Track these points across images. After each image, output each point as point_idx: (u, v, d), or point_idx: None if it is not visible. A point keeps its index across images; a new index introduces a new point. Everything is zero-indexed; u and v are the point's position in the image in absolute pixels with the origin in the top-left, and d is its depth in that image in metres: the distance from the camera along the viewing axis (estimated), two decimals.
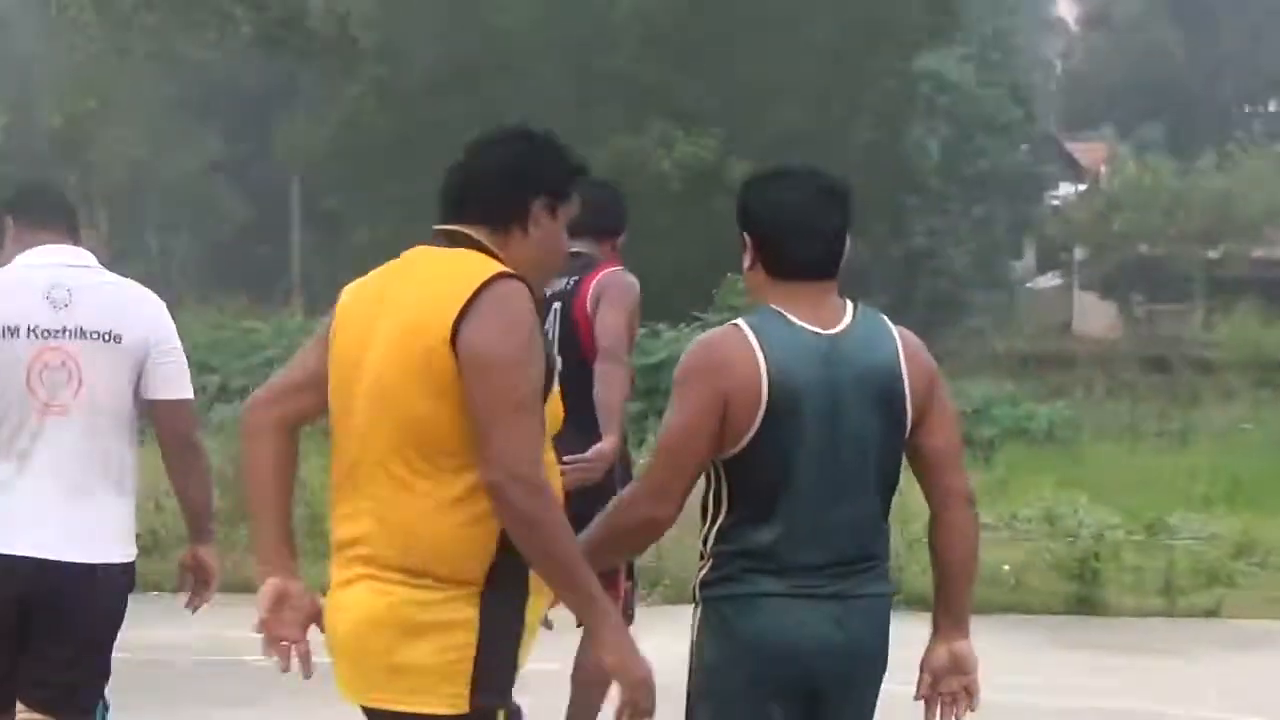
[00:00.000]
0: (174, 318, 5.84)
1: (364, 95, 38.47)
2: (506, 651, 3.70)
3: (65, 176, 34.90)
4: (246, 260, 45.26)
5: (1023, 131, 51.32)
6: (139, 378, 5.40)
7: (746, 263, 4.26)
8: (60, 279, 5.35)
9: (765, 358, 3.98)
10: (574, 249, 5.04)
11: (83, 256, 5.53)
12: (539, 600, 3.80)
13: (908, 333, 4.28)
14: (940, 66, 45.51)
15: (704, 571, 4.18)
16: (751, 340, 4.00)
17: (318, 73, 38.47)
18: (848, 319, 4.15)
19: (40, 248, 5.46)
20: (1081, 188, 56.91)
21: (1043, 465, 20.72)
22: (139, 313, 5.47)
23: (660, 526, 4.18)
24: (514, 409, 3.62)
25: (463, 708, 3.57)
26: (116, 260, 23.88)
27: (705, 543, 4.19)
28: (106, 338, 5.35)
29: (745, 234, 4.23)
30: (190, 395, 5.64)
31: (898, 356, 4.08)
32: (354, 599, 3.76)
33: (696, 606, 4.24)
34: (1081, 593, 10.33)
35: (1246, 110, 68.77)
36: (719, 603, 4.14)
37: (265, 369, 15.36)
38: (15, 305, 5.27)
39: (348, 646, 3.80)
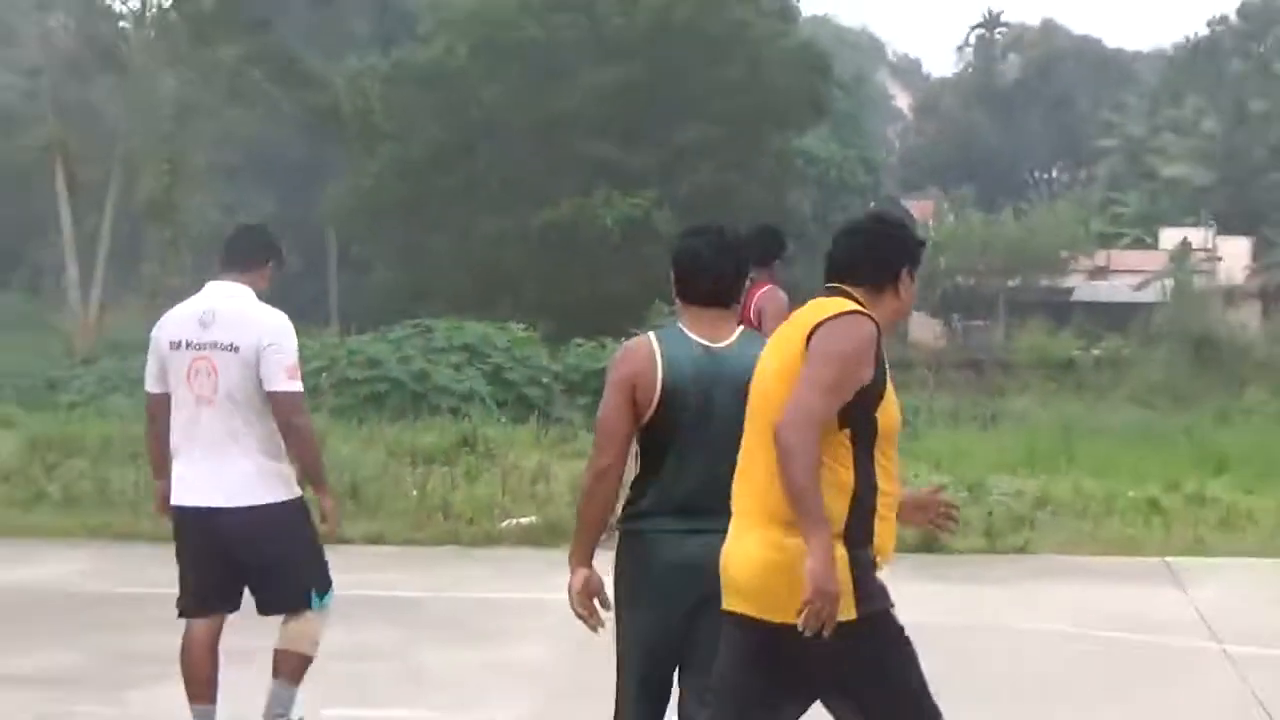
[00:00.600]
0: None
1: (382, 168, 36.99)
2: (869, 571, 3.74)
3: (162, 231, 34.19)
4: (296, 294, 41.94)
5: (872, 192, 50.20)
6: (258, 376, 5.44)
7: (673, 292, 4.49)
8: (211, 305, 5.42)
9: (662, 358, 4.24)
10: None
11: (236, 290, 5.55)
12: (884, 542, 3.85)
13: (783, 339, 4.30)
14: (810, 145, 44.90)
15: (622, 512, 4.39)
16: (655, 346, 4.26)
17: (345, 148, 38.55)
18: (733, 338, 4.37)
19: (211, 282, 5.62)
20: None
21: None
22: (255, 326, 5.47)
23: (609, 473, 4.31)
24: (815, 384, 3.62)
25: (853, 614, 3.61)
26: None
27: (630, 492, 4.41)
28: (229, 348, 5.38)
29: (671, 271, 4.43)
30: (284, 388, 5.55)
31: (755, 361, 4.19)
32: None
33: (614, 537, 4.42)
34: (924, 537, 9.87)
35: (1037, 175, 68.45)
36: (627, 535, 4.35)
37: (314, 376, 14.70)
38: (180, 327, 5.43)
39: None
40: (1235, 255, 49.36)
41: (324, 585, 5.77)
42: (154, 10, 35.70)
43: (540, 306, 30.50)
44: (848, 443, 3.75)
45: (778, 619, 3.72)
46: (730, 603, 3.92)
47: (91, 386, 23.32)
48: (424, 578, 9.55)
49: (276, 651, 5.73)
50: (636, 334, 4.92)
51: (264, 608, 5.71)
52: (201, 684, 5.63)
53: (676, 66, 37.18)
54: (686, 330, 4.46)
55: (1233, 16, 62.70)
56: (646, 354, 4.38)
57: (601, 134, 36.50)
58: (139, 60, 34.94)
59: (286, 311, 5.83)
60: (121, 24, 37.23)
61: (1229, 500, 12.62)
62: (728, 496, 4.08)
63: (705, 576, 4.10)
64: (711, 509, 4.16)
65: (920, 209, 52.80)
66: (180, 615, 5.69)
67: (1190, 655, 7.86)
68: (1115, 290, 47.67)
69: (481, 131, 37.36)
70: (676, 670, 4.55)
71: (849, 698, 3.85)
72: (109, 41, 35.72)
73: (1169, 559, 10.57)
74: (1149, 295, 42.96)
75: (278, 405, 5.54)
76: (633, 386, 4.39)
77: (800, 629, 3.58)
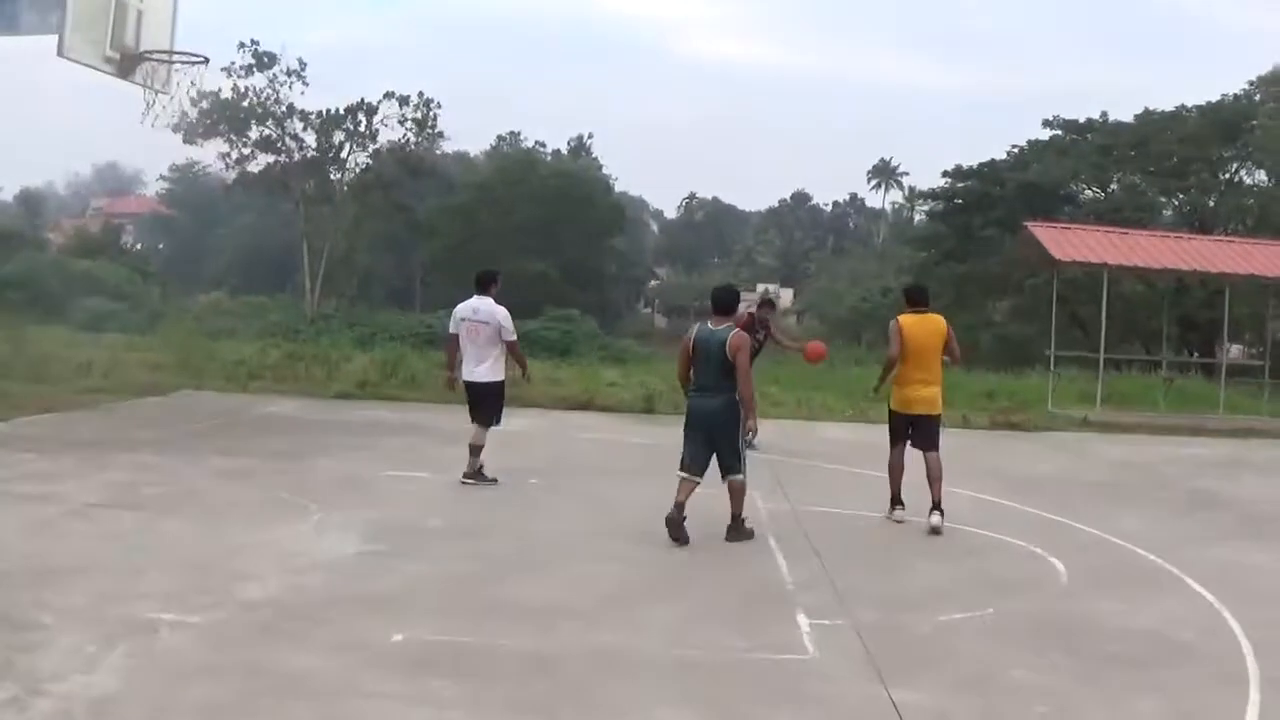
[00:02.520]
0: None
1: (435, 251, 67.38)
2: None
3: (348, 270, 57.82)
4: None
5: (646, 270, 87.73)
6: (498, 334, 13.01)
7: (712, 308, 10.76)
8: (475, 304, 13.21)
9: (695, 332, 10.59)
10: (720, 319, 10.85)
11: (485, 300, 13.23)
12: None
13: (736, 331, 10.45)
14: (617, 243, 78.74)
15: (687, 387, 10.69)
16: (694, 328, 10.68)
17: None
18: (725, 325, 10.34)
19: (475, 296, 13.29)
20: None
21: None
22: (493, 312, 13.04)
23: (682, 373, 10.94)
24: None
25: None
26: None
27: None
28: (486, 320, 12.96)
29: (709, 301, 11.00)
30: (514, 338, 13.31)
31: (728, 336, 10.21)
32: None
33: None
34: None
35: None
36: (687, 399, 10.70)
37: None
38: (463, 309, 13.25)
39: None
40: None
41: (493, 419, 13.23)
42: (354, 178, 54.91)
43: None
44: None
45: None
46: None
47: (312, 330, 47.99)
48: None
49: (470, 444, 13.30)
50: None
51: (474, 417, 13.19)
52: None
53: (559, 213, 69.02)
54: (709, 323, 10.47)
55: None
56: (692, 331, 10.57)
57: (529, 236, 68.06)
58: (343, 195, 54.41)
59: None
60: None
61: None
62: (714, 386, 10.31)
63: (703, 410, 10.43)
64: (707, 387, 10.36)
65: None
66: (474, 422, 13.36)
67: None
68: None
69: (484, 231, 66.40)
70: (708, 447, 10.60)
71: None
72: (332, 185, 54.42)
73: None
74: None
75: (507, 346, 13.11)
76: (683, 345, 10.55)
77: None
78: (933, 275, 51.38)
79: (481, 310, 13.22)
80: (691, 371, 10.63)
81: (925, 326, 11.91)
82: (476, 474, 13.30)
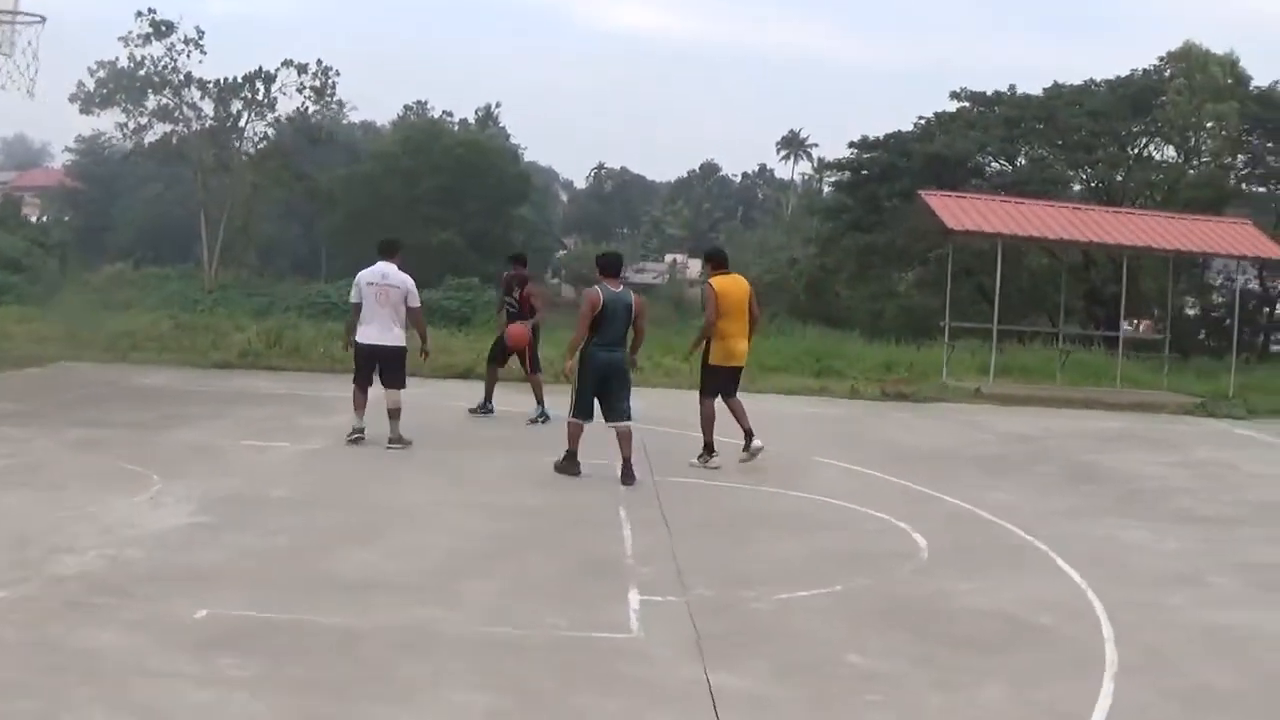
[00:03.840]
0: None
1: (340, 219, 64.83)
2: None
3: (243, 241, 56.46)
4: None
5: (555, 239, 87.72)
6: (404, 299, 13.60)
7: (598, 272, 12.47)
8: (383, 269, 13.69)
9: (602, 293, 12.01)
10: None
11: (390, 265, 13.72)
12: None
13: (637, 296, 12.42)
14: (525, 212, 77.12)
15: (588, 343, 12.00)
16: (599, 290, 12.06)
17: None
18: (622, 289, 12.22)
19: (380, 262, 13.73)
20: None
21: None
22: (402, 278, 13.63)
23: (581, 334, 12.03)
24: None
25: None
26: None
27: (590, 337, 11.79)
28: (396, 284, 13.60)
29: (598, 263, 12.70)
30: (414, 304, 13.80)
31: (631, 299, 12.14)
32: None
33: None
34: None
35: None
36: (589, 351, 12.01)
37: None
38: (369, 274, 13.64)
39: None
40: None
41: (404, 382, 13.76)
42: (254, 148, 53.60)
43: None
44: None
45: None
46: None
47: (210, 301, 45.52)
48: None
49: (389, 410, 13.58)
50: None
51: (387, 385, 13.57)
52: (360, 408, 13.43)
53: (464, 182, 67.96)
54: (609, 286, 12.04)
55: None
56: (597, 292, 11.90)
57: (434, 206, 66.89)
58: (240, 165, 52.79)
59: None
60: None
61: None
62: (619, 341, 12.08)
63: (612, 363, 12.09)
64: (615, 343, 12.08)
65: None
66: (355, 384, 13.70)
67: None
68: None
69: (389, 202, 64.99)
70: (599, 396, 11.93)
71: None
72: (230, 155, 52.84)
73: None
74: None
75: (410, 311, 13.66)
76: (593, 304, 11.79)
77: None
78: (838, 246, 51.30)
79: (390, 275, 13.62)
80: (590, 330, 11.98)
81: (736, 286, 13.25)
82: (398, 438, 13.64)
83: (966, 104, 50.82)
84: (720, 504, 11.36)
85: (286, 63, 50.46)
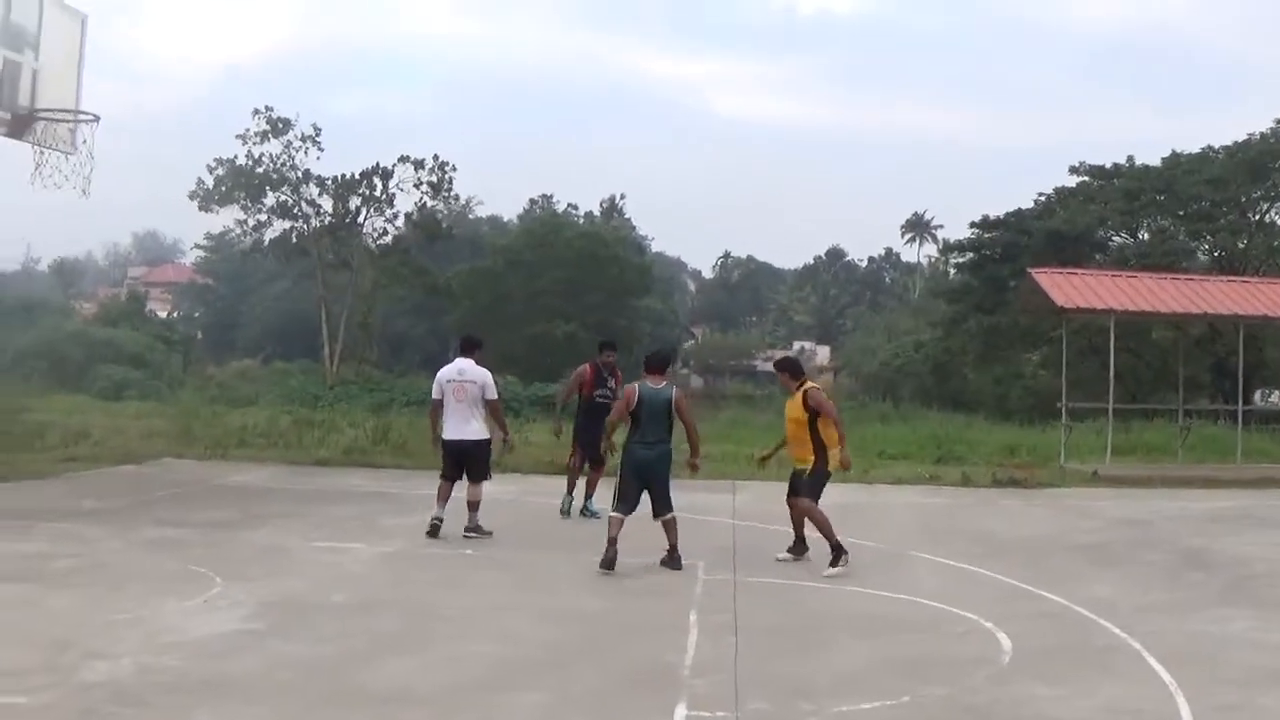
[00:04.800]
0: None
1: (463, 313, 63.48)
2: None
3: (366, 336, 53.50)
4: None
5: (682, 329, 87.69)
6: (482, 393, 13.83)
7: (644, 367, 12.48)
8: (460, 365, 14.00)
9: (639, 390, 12.14)
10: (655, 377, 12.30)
11: (468, 362, 13.97)
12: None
13: (678, 389, 12.52)
14: (649, 302, 77.04)
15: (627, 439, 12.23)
16: (637, 386, 12.21)
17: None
18: (664, 384, 12.25)
19: (459, 359, 14.19)
20: None
21: None
22: (479, 373, 13.89)
23: (614, 424, 12.67)
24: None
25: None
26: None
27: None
28: (472, 380, 13.86)
29: (645, 359, 12.65)
30: (495, 398, 14.08)
31: (672, 394, 12.22)
32: None
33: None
34: None
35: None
36: (629, 447, 12.16)
37: None
38: (448, 372, 14.02)
39: None
40: None
41: (488, 474, 13.93)
42: (374, 244, 52.87)
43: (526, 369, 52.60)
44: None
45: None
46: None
47: (331, 397, 45.15)
48: None
49: (469, 501, 13.71)
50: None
51: (471, 477, 13.64)
52: (443, 499, 13.69)
53: (585, 274, 67.31)
54: (649, 382, 12.13)
55: None
56: (635, 388, 12.13)
57: (556, 299, 66.26)
58: (361, 261, 51.83)
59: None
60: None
61: None
62: (661, 438, 12.13)
63: (649, 460, 12.12)
64: (655, 440, 12.12)
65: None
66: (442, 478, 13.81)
67: None
68: None
69: (511, 296, 65.66)
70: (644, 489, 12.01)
71: None
72: (350, 251, 51.79)
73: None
74: None
75: (488, 404, 13.91)
76: (628, 399, 12.21)
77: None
78: (962, 329, 50.46)
79: (467, 371, 13.91)
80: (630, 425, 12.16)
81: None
82: (476, 528, 13.78)
83: (1086, 178, 49.78)
84: (799, 606, 10.71)
85: (403, 159, 50.82)
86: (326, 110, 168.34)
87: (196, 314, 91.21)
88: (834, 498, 18.68)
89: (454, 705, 7.47)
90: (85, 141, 16.41)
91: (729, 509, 16.31)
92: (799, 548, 12.81)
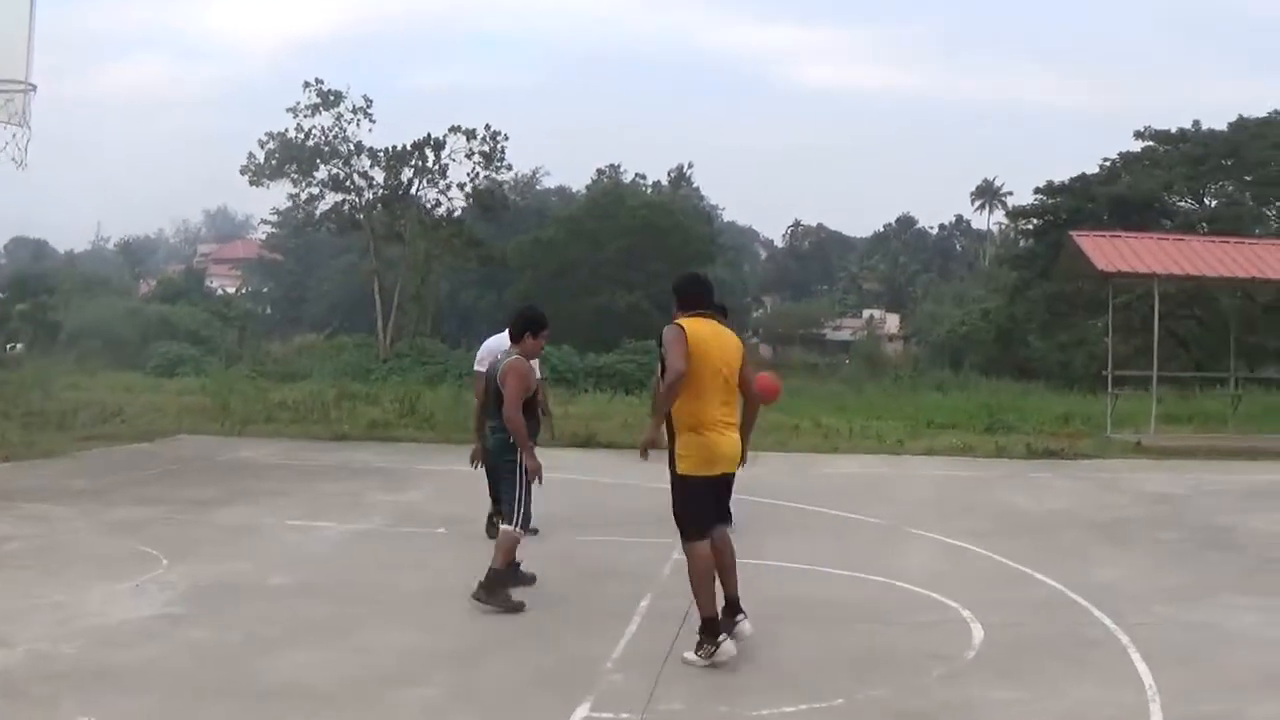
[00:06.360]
0: None
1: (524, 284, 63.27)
2: None
3: (418, 309, 52.25)
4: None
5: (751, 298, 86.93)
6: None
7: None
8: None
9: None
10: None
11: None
12: None
13: (511, 360, 9.07)
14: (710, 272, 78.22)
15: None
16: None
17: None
18: (513, 352, 9.02)
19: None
20: None
21: None
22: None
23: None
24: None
25: None
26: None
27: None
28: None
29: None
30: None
31: (500, 367, 9.07)
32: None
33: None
34: None
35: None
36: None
37: None
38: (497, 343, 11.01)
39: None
40: None
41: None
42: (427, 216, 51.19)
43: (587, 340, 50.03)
44: None
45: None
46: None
47: (384, 370, 44.33)
48: None
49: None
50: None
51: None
52: None
53: (648, 244, 65.67)
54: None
55: None
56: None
57: (618, 269, 66.23)
58: (413, 232, 50.49)
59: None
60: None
61: None
62: (494, 423, 9.03)
63: (489, 451, 9.27)
64: (491, 426, 9.16)
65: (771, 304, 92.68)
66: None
67: None
68: None
69: (573, 266, 64.88)
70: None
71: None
72: (404, 223, 50.27)
73: None
74: None
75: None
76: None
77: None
78: (1026, 296, 49.33)
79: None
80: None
81: (719, 339, 7.99)
82: None
83: (1151, 143, 48.26)
84: (763, 591, 9.66)
85: (454, 129, 50.13)
86: (401, 84, 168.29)
87: (265, 290, 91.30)
88: (853, 469, 18.17)
89: (340, 700, 6.88)
90: (20, 111, 15.92)
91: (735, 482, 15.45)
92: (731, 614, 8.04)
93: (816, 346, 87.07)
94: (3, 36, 15.88)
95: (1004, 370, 47.58)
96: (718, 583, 7.84)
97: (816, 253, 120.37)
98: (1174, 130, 47.79)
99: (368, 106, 48.86)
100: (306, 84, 48.52)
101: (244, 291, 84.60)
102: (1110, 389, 23.59)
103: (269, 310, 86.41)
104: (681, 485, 7.69)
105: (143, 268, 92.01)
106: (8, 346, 50.09)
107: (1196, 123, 47.34)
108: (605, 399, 32.80)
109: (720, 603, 7.78)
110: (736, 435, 7.80)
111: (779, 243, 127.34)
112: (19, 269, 73.44)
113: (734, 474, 7.95)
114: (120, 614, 8.71)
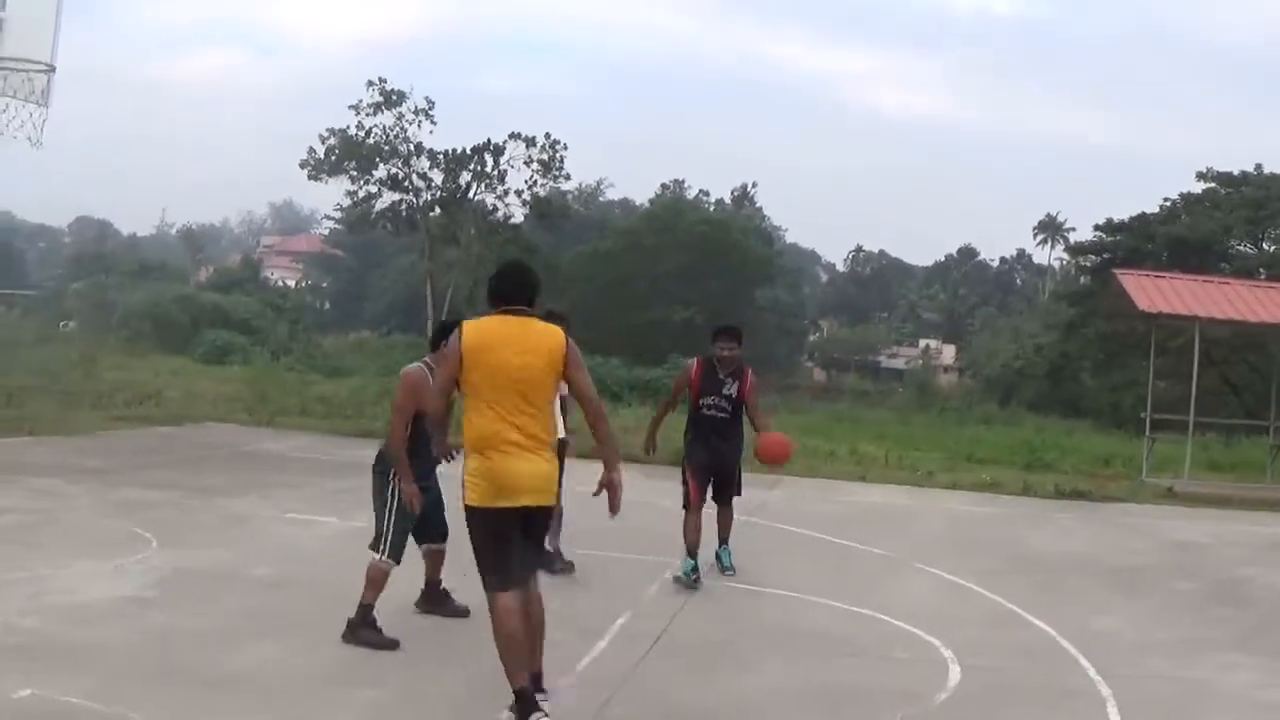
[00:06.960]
0: None
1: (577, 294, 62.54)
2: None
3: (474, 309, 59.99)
4: None
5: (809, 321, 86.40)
6: None
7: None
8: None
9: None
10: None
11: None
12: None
13: (412, 368, 8.70)
14: (764, 294, 75.75)
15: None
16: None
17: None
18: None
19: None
20: None
21: None
22: None
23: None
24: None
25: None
26: None
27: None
28: None
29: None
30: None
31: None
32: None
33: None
34: None
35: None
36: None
37: None
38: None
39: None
40: None
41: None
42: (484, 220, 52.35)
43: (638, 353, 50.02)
44: None
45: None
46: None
47: None
48: None
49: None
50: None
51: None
52: None
53: (706, 261, 66.47)
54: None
55: None
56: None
57: (675, 283, 65.93)
58: (468, 236, 51.92)
59: None
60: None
61: None
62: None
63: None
64: None
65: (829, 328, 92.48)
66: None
67: None
68: None
69: (630, 278, 64.84)
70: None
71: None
72: (460, 226, 51.75)
73: None
74: None
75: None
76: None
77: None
78: (1080, 334, 48.73)
79: None
80: None
81: (526, 334, 6.49)
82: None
83: (1213, 184, 47.59)
84: (744, 618, 9.59)
85: (514, 135, 50.26)
86: (465, 87, 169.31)
87: (324, 284, 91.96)
88: (875, 498, 17.90)
89: (280, 694, 6.75)
90: (41, 90, 16.03)
91: (752, 505, 15.17)
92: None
93: (871, 373, 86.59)
94: (32, 19, 15.94)
95: (1053, 408, 46.99)
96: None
97: (877, 279, 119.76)
98: (1236, 173, 47.17)
99: (430, 108, 49.14)
100: (370, 83, 48.88)
101: (304, 285, 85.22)
102: (1148, 432, 23.10)
103: (327, 305, 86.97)
104: (469, 519, 6.40)
105: (204, 255, 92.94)
106: (61, 324, 50.60)
107: (1259, 165, 46.83)
108: (644, 413, 32.49)
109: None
110: (543, 459, 6.33)
111: (840, 267, 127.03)
112: (80, 249, 74.27)
113: (547, 508, 6.47)
114: (94, 593, 8.68)
